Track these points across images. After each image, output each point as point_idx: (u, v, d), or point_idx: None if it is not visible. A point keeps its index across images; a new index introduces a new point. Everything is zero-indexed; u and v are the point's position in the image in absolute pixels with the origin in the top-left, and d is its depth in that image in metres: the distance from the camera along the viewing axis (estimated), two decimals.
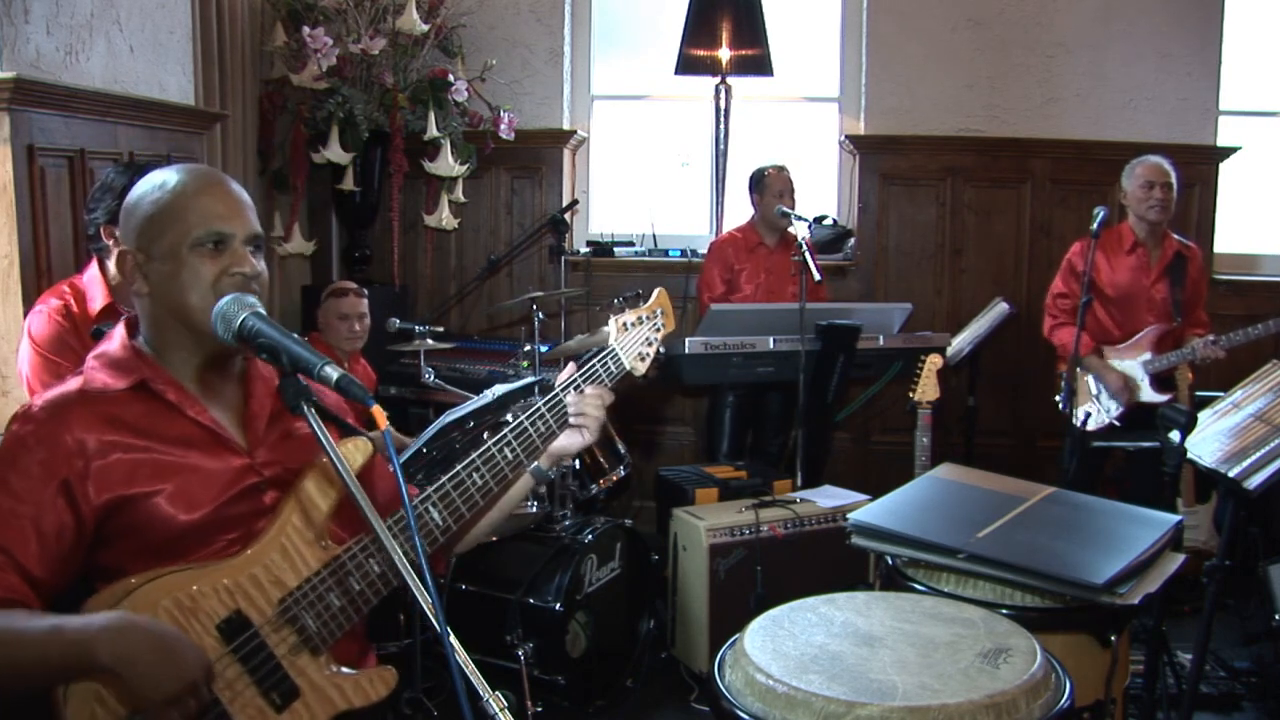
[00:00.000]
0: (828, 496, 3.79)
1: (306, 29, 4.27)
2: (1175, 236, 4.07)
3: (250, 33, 4.44)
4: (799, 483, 3.90)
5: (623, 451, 3.62)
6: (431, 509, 1.65)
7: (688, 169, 5.37)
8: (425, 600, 1.30)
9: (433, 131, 4.52)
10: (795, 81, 5.17)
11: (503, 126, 4.68)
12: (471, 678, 1.27)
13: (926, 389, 3.31)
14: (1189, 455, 2.51)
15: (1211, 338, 3.83)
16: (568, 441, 1.83)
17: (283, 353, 1.42)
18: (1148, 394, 3.92)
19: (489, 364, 4.38)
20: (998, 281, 4.91)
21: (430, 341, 3.84)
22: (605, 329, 1.96)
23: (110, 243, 2.43)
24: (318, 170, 4.63)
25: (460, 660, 1.27)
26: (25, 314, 2.84)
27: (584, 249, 5.13)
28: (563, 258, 4.82)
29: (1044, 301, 4.20)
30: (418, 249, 5.08)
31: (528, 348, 3.98)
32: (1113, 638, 2.07)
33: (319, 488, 1.61)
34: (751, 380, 4.06)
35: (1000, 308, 4.57)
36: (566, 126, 5.12)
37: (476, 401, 3.19)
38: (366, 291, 3.84)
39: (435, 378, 3.85)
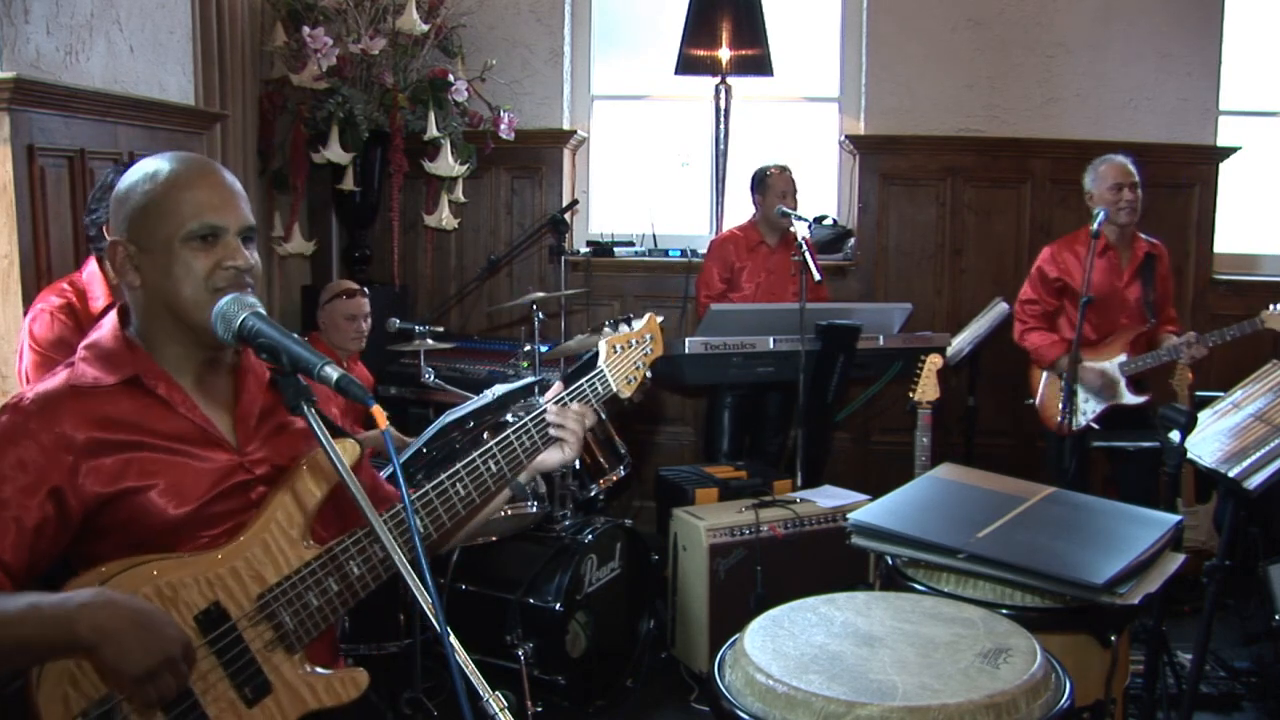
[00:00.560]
0: (828, 496, 3.79)
1: (306, 29, 4.27)
2: (1143, 237, 4.05)
3: (250, 33, 4.44)
4: (799, 483, 3.90)
5: (623, 451, 3.62)
6: (413, 516, 1.66)
7: (688, 169, 5.37)
8: (425, 600, 1.30)
9: (433, 131, 4.52)
10: (795, 81, 5.17)
11: (503, 126, 4.68)
12: (471, 678, 1.27)
13: (926, 389, 3.31)
14: (1189, 455, 2.51)
15: (1194, 336, 3.82)
16: (550, 456, 1.84)
17: (283, 353, 1.42)
18: (1125, 396, 3.92)
19: (489, 364, 4.38)
20: (998, 281, 4.90)
21: (430, 341, 3.84)
22: (598, 340, 1.98)
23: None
24: (318, 170, 4.62)
25: (460, 660, 1.27)
26: (25, 314, 2.84)
27: (584, 249, 5.13)
28: (563, 258, 4.81)
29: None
30: (418, 249, 5.08)
31: (528, 348, 3.98)
32: (1113, 638, 2.07)
33: (305, 486, 1.62)
34: (751, 380, 4.06)
35: (1000, 308, 4.57)
36: (566, 126, 5.12)
37: (476, 401, 3.19)
38: (368, 291, 3.86)
39: (435, 378, 3.86)
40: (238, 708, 1.52)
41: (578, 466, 3.52)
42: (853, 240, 5.09)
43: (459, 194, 4.85)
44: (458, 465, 1.72)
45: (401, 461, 1.70)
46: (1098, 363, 3.95)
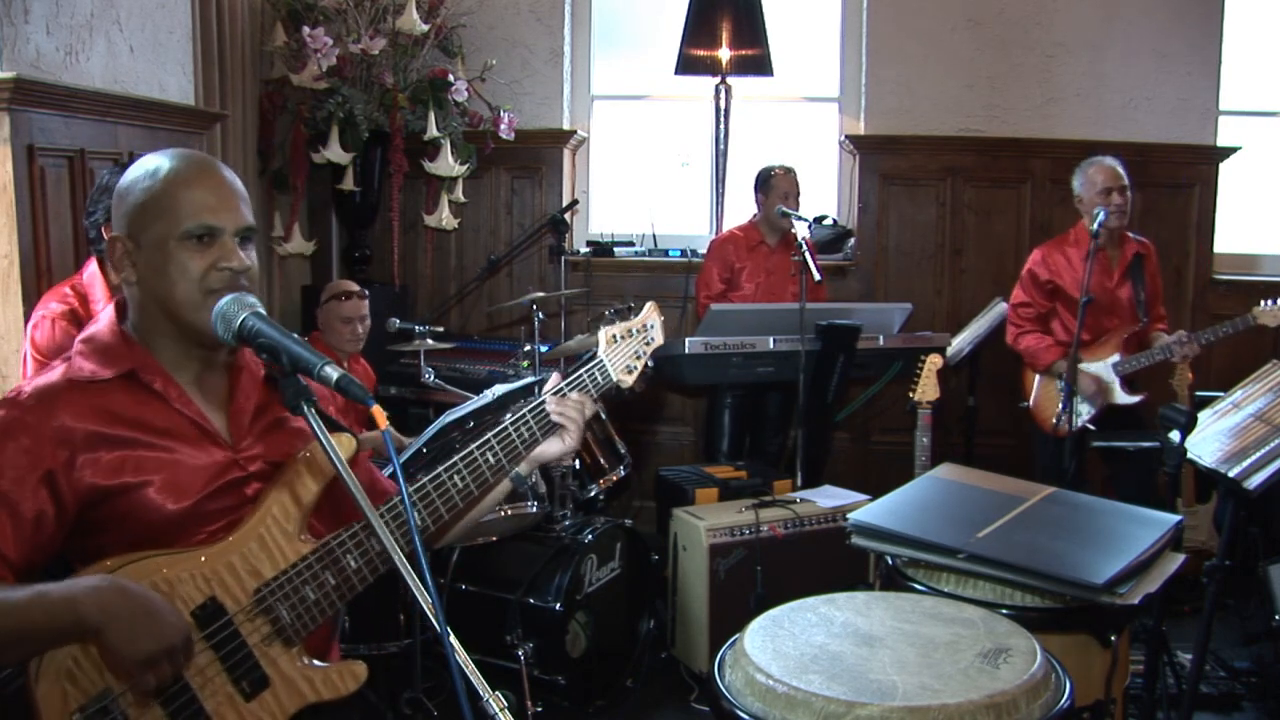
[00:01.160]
0: (828, 496, 3.79)
1: (306, 29, 4.27)
2: (1131, 236, 4.05)
3: (250, 33, 4.44)
4: (799, 483, 3.90)
5: (623, 451, 3.62)
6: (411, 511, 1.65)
7: (688, 169, 5.37)
8: (425, 600, 1.30)
9: (433, 131, 4.52)
10: (795, 81, 5.17)
11: (503, 126, 4.68)
12: (471, 678, 1.27)
13: (926, 389, 3.31)
14: (1189, 455, 2.51)
15: (1185, 335, 3.82)
16: (549, 447, 1.83)
17: (283, 353, 1.42)
18: (1119, 396, 3.92)
19: (489, 364, 4.37)
20: (998, 281, 4.90)
21: (430, 341, 3.84)
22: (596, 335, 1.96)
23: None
24: (318, 170, 4.62)
25: (460, 660, 1.27)
26: (25, 314, 2.84)
27: (584, 249, 5.13)
28: (563, 258, 4.81)
29: None
30: (418, 249, 5.08)
31: (528, 348, 3.98)
32: (1113, 638, 2.07)
33: (302, 482, 1.62)
34: (751, 380, 4.06)
35: (1000, 308, 4.57)
36: (566, 126, 5.12)
37: (476, 401, 3.19)
38: (368, 293, 3.84)
39: (435, 378, 3.85)
40: (235, 701, 1.53)
41: (578, 466, 3.53)
42: (853, 240, 5.09)
43: (459, 194, 4.85)
44: (455, 458, 1.71)
45: (401, 461, 1.69)
46: (1091, 366, 3.94)
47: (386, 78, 4.53)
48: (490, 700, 1.28)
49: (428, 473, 1.70)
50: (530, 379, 3.56)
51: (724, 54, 4.75)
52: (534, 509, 3.10)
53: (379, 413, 1.33)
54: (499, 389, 3.23)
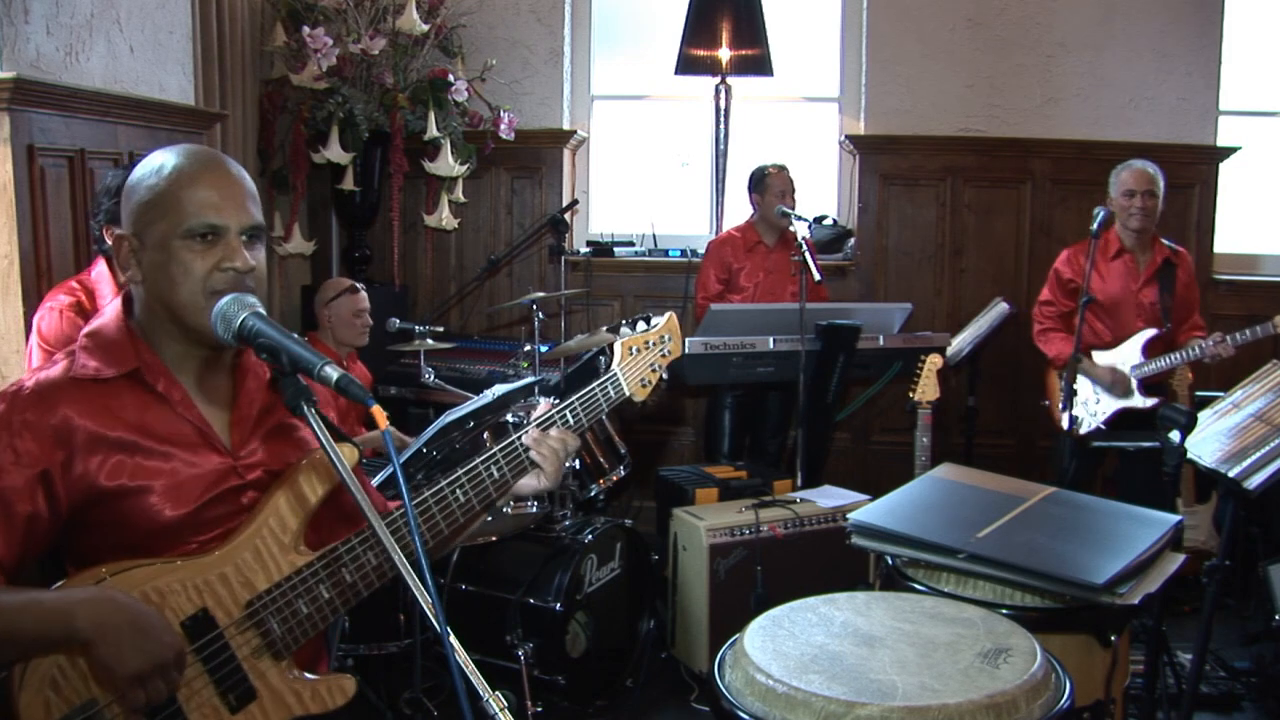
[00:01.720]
0: (828, 496, 3.79)
1: (306, 29, 4.27)
2: (1164, 242, 4.05)
3: (250, 33, 4.44)
4: (799, 483, 3.90)
5: (623, 451, 3.62)
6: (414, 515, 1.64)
7: (688, 169, 5.37)
8: (425, 600, 1.30)
9: (433, 131, 4.52)
10: (795, 81, 5.17)
11: (503, 126, 4.68)
12: (471, 678, 1.27)
13: (926, 389, 3.31)
14: (1189, 455, 2.51)
15: (1219, 335, 3.81)
16: (525, 483, 1.74)
17: (283, 353, 1.40)
18: (1137, 398, 3.92)
19: (489, 364, 4.38)
20: (998, 281, 4.91)
21: (430, 341, 3.85)
22: (611, 336, 1.89)
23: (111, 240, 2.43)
24: (318, 170, 4.63)
25: (460, 660, 1.26)
26: (25, 314, 2.84)
27: (584, 249, 5.13)
28: (563, 258, 4.82)
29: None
30: (418, 249, 5.08)
31: (528, 348, 3.98)
32: (1113, 638, 2.07)
33: (300, 491, 1.59)
34: (751, 380, 4.06)
35: (1000, 308, 4.57)
36: (566, 126, 5.12)
37: (477, 401, 3.19)
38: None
39: (435, 378, 3.86)
40: (221, 714, 1.50)
41: (578, 466, 3.53)
42: (853, 240, 5.09)
43: (459, 194, 4.85)
44: (426, 494, 1.65)
45: (401, 462, 1.68)
46: (1108, 356, 3.94)
47: (386, 78, 4.53)
48: (490, 700, 1.27)
49: (429, 479, 1.68)
50: (530, 379, 3.56)
51: (724, 54, 4.75)
52: (534, 509, 3.10)
53: (379, 412, 1.32)
54: (499, 389, 3.23)
